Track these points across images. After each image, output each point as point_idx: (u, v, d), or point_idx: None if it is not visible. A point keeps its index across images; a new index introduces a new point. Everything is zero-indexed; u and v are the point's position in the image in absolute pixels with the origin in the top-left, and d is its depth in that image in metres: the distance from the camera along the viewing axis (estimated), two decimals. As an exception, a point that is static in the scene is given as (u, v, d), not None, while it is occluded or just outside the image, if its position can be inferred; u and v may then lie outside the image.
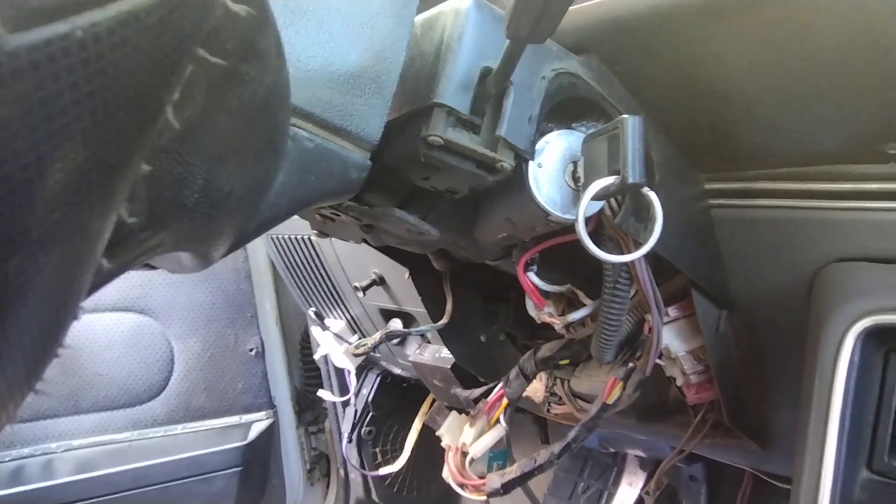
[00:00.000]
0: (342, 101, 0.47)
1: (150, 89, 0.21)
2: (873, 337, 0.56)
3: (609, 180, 0.53)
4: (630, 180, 0.51)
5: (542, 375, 1.04)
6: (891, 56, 0.51)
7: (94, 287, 0.28)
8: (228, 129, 0.33)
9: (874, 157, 0.57)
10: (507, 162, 0.54)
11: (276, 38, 0.32)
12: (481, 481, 0.89)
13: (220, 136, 0.33)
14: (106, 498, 1.57)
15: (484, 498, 0.89)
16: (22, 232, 0.19)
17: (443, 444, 0.99)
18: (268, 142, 0.39)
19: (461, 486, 0.91)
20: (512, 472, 0.85)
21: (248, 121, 0.34)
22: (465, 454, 0.94)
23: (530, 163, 0.58)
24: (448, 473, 0.93)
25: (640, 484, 1.50)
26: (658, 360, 0.78)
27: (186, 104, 0.26)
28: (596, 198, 0.54)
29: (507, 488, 0.85)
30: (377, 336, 1.15)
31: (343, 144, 0.48)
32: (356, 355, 1.25)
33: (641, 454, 1.47)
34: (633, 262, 0.61)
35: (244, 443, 1.70)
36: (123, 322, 1.64)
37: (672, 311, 0.77)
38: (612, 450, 1.46)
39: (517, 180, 0.58)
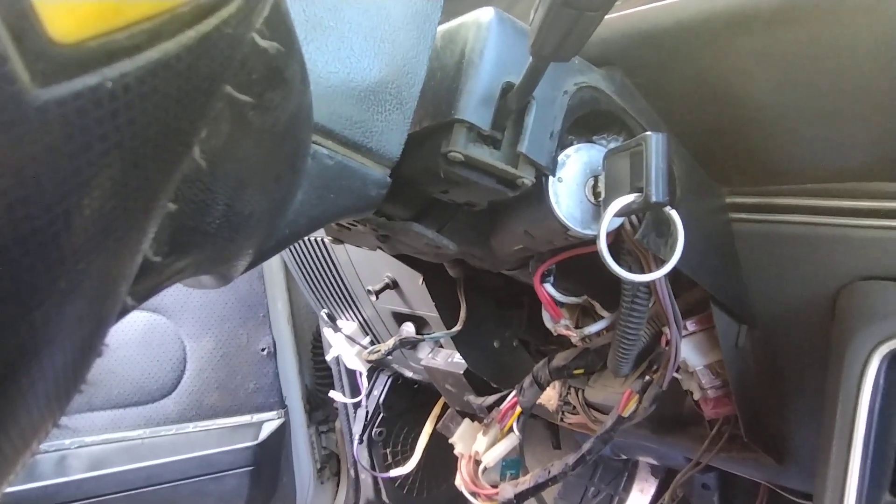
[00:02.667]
0: (363, 118, 0.47)
1: (178, 133, 0.21)
2: (899, 359, 0.55)
3: (631, 198, 0.52)
4: (653, 199, 0.50)
5: (556, 383, 1.03)
6: (921, 73, 0.50)
7: (115, 322, 0.27)
8: (251, 155, 0.33)
9: (902, 175, 0.56)
10: (528, 178, 0.53)
11: (301, 65, 0.31)
12: (494, 491, 0.88)
13: (242, 162, 0.32)
14: (118, 495, 1.58)
15: (496, 507, 0.89)
16: (49, 283, 0.19)
17: (456, 451, 0.98)
18: (289, 163, 0.38)
19: (474, 494, 0.91)
20: (525, 482, 0.85)
21: (271, 146, 0.34)
22: (477, 462, 0.93)
23: (550, 177, 0.57)
24: (461, 482, 0.93)
25: (652, 491, 1.49)
26: (675, 374, 0.77)
27: (212, 138, 0.25)
28: (618, 215, 0.53)
29: (520, 499, 0.85)
30: (391, 343, 1.14)
31: (363, 161, 0.47)
32: (369, 361, 1.25)
33: (653, 462, 1.46)
34: (653, 278, 0.60)
35: (255, 442, 1.71)
36: (136, 320, 1.65)
37: (690, 325, 0.76)
38: (623, 457, 1.45)
39: (536, 194, 0.58)
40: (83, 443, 1.61)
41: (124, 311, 0.27)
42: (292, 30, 0.28)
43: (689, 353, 0.76)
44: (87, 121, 0.17)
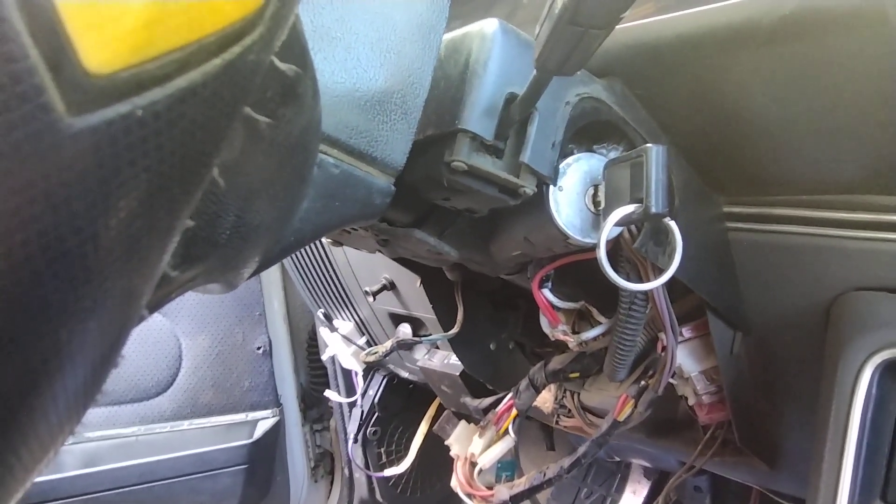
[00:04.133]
0: (368, 127, 0.47)
1: (201, 155, 0.21)
2: (891, 369, 0.56)
3: (631, 208, 0.53)
4: (653, 210, 0.51)
5: (552, 386, 1.04)
6: (916, 90, 0.51)
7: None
8: (263, 167, 0.33)
9: (894, 189, 0.57)
10: (530, 187, 0.54)
11: (314, 81, 0.32)
12: (489, 492, 0.89)
13: (254, 175, 0.33)
14: (112, 492, 1.58)
15: (491, 508, 0.89)
16: (76, 300, 0.19)
17: (452, 453, 0.99)
18: (298, 174, 0.39)
19: (469, 496, 0.91)
20: (521, 484, 0.86)
21: (281, 158, 0.34)
22: (473, 464, 0.94)
23: (551, 186, 0.58)
24: (456, 483, 0.93)
25: (644, 492, 1.51)
26: (670, 380, 0.78)
27: (227, 156, 0.26)
28: (618, 225, 0.54)
29: (515, 500, 0.86)
30: (388, 344, 1.15)
31: (368, 170, 0.48)
32: (367, 363, 1.26)
33: (646, 464, 1.47)
34: (650, 286, 0.61)
35: (250, 440, 1.71)
36: (132, 318, 1.65)
37: (686, 331, 0.77)
38: (616, 458, 1.46)
39: (537, 202, 0.58)
40: (77, 439, 1.61)
41: (138, 322, 0.27)
42: (307, 49, 0.29)
43: (685, 359, 0.77)
44: (118, 147, 0.18)
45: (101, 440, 1.62)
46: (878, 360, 0.56)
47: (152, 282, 0.23)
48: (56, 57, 0.17)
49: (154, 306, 0.30)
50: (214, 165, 0.24)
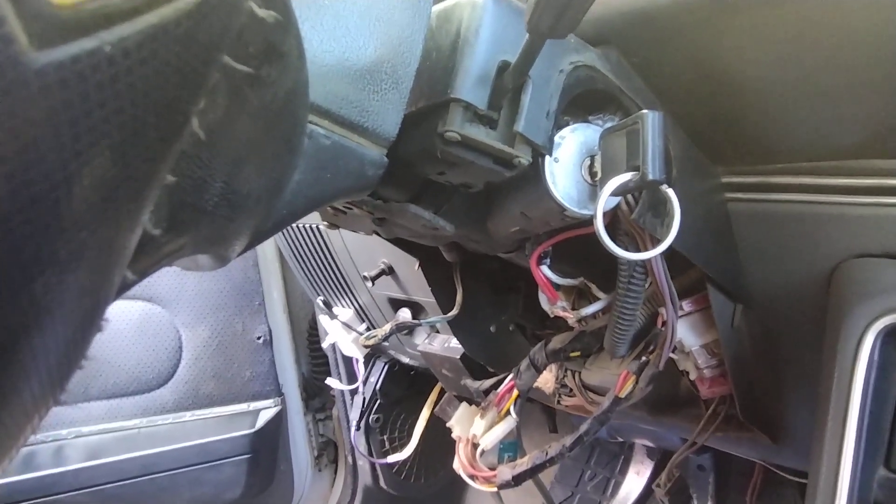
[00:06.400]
0: (359, 97, 0.47)
1: (177, 101, 0.20)
2: (893, 335, 0.56)
3: (627, 176, 0.52)
4: (650, 177, 0.50)
5: (553, 366, 1.04)
6: (915, 51, 0.50)
7: (116, 297, 0.27)
8: (249, 130, 0.32)
9: (894, 152, 0.56)
10: (525, 158, 0.53)
11: (298, 39, 0.31)
12: (492, 473, 0.89)
13: (240, 138, 0.32)
14: (115, 484, 1.59)
15: (494, 489, 0.89)
16: (50, 252, 0.19)
17: (453, 435, 0.99)
18: (286, 141, 0.38)
19: (472, 477, 0.91)
20: (523, 464, 0.85)
21: (268, 122, 0.34)
22: (475, 446, 0.94)
23: (546, 157, 0.57)
24: (459, 465, 0.93)
25: (648, 473, 1.51)
26: (671, 354, 0.77)
27: (209, 111, 0.25)
28: (614, 194, 0.53)
29: (518, 480, 0.85)
30: (387, 328, 1.14)
31: (359, 141, 0.47)
32: (366, 346, 1.25)
33: (649, 444, 1.47)
34: (649, 258, 0.60)
35: (252, 430, 1.71)
36: (132, 310, 1.64)
37: (686, 305, 0.76)
38: (619, 439, 1.46)
39: (532, 174, 0.58)
40: (80, 433, 1.61)
41: (125, 286, 0.27)
42: (288, 1, 0.28)
43: (686, 333, 0.77)
44: (87, 86, 0.17)
45: (103, 433, 1.62)
46: (879, 325, 0.56)
47: (132, 238, 0.23)
48: None
49: (142, 272, 0.29)
50: (193, 115, 0.23)
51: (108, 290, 0.23)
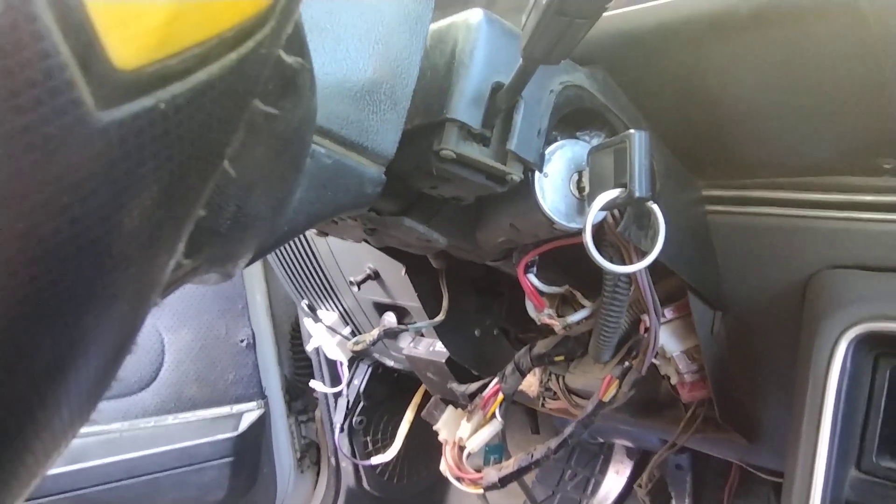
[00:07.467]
0: (358, 117, 0.48)
1: (216, 145, 0.22)
2: (864, 343, 0.59)
3: (615, 193, 0.54)
4: (637, 194, 0.52)
5: (537, 370, 1.06)
6: (886, 74, 0.53)
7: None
8: (262, 157, 0.34)
9: (868, 170, 0.59)
10: (517, 174, 0.55)
11: (311, 73, 0.33)
12: (479, 475, 0.91)
13: (254, 165, 0.34)
14: (97, 488, 1.57)
15: (480, 491, 0.91)
16: (102, 288, 0.20)
17: (440, 438, 1.00)
18: (294, 164, 0.40)
19: (459, 479, 0.93)
20: (509, 466, 0.87)
21: (279, 148, 0.35)
22: (462, 448, 0.95)
23: (537, 173, 0.59)
24: (446, 467, 0.95)
25: (627, 472, 1.54)
26: (653, 360, 0.80)
27: (234, 146, 0.27)
28: (602, 209, 0.55)
29: (504, 482, 0.87)
30: (375, 333, 1.16)
31: (359, 160, 0.49)
32: (354, 352, 1.26)
33: (629, 444, 1.50)
34: (634, 269, 0.63)
35: (235, 433, 1.71)
36: (113, 314, 1.63)
37: (668, 313, 0.79)
38: (599, 440, 1.49)
39: (522, 188, 0.59)
40: (61, 437, 1.59)
41: (151, 308, 0.28)
42: (306, 42, 0.29)
43: (667, 339, 0.79)
44: (143, 139, 0.19)
45: (85, 437, 1.61)
46: (852, 334, 0.58)
47: (168, 269, 0.24)
48: (85, 53, 0.17)
49: (165, 295, 0.31)
50: (226, 156, 0.24)
51: (143, 317, 0.25)
